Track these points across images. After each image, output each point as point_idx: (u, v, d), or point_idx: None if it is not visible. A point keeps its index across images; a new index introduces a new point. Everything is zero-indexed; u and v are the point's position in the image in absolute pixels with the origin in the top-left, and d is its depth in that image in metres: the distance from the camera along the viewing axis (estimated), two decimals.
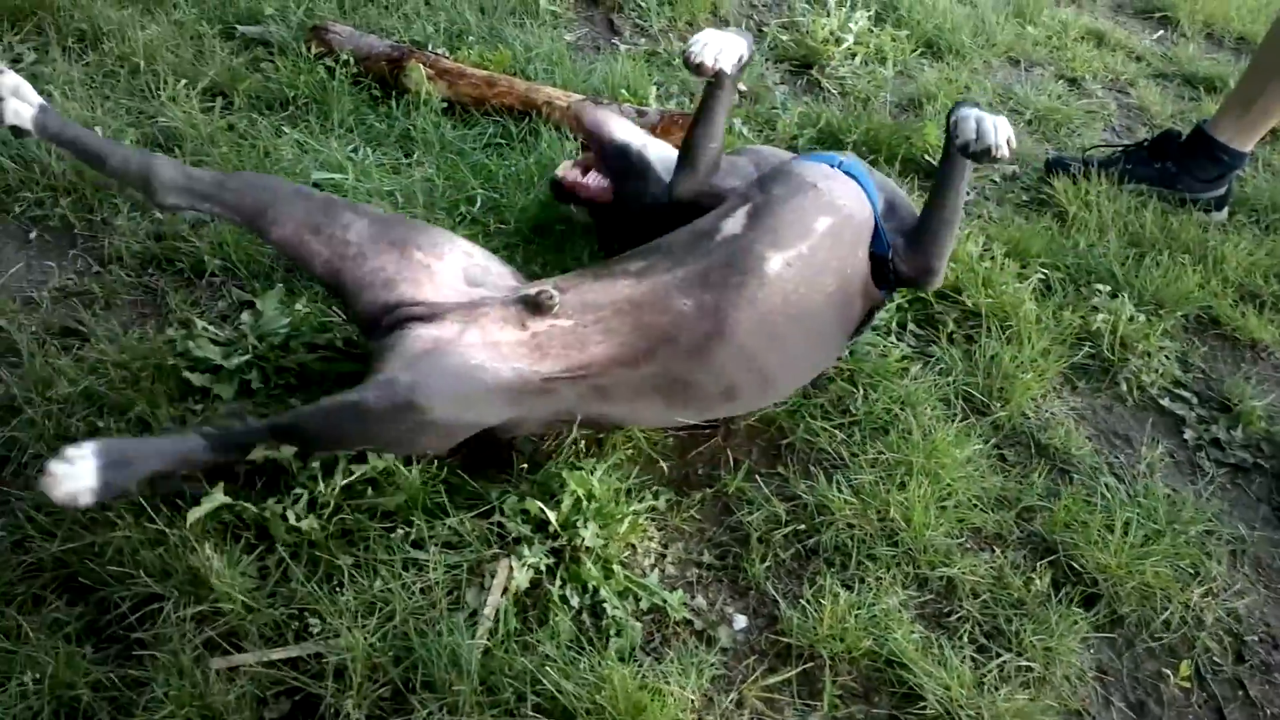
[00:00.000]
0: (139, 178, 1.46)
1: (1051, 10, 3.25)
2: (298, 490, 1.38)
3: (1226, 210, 2.43)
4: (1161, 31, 3.30)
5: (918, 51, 2.86)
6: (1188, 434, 1.87)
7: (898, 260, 1.64)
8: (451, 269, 1.56)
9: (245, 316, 1.67)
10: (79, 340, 1.64)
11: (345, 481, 1.39)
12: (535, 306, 1.49)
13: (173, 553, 1.30)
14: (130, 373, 1.55)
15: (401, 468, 1.42)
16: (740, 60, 1.67)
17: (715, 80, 1.68)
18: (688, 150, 1.76)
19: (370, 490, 1.43)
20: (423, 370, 1.39)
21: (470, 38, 2.59)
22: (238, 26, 2.46)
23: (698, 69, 1.63)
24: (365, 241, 1.51)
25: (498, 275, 1.61)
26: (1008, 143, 1.49)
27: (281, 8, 2.51)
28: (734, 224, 1.59)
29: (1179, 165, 2.38)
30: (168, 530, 1.30)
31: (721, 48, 1.63)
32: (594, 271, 1.59)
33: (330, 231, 1.50)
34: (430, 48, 2.49)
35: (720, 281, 1.51)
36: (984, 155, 1.49)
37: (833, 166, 1.68)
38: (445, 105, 2.31)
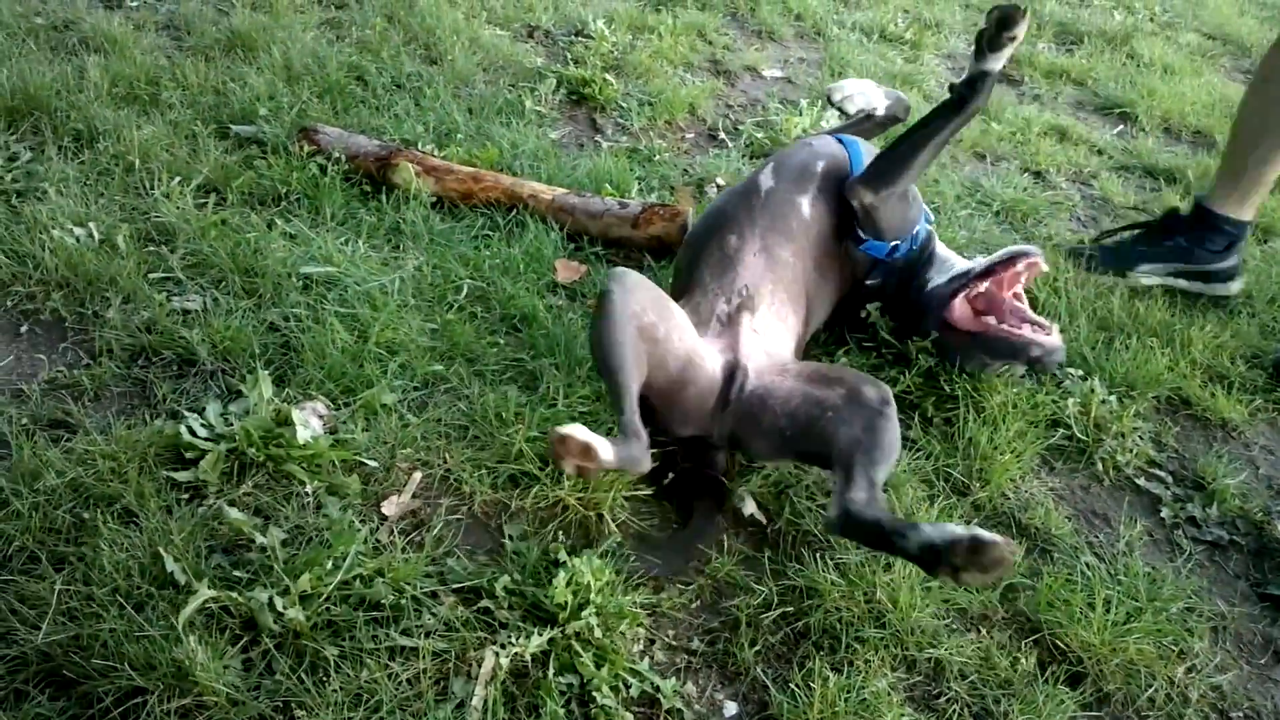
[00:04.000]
0: None
1: (1015, 108, 3.42)
2: (286, 581, 1.38)
3: (1240, 282, 2.51)
4: (1121, 126, 3.47)
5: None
6: (1164, 512, 1.91)
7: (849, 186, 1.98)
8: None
9: (233, 406, 1.69)
10: (67, 432, 1.64)
11: (342, 577, 1.39)
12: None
13: (157, 645, 1.29)
14: (118, 464, 1.55)
15: (395, 560, 1.43)
16: (864, 109, 2.23)
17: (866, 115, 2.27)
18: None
19: (359, 582, 1.42)
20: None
21: (459, 136, 2.69)
22: (231, 126, 2.54)
23: (829, 98, 2.29)
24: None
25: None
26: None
27: (275, 109, 2.61)
28: (766, 178, 2.01)
29: (1189, 239, 2.47)
30: (153, 622, 1.29)
31: (851, 94, 2.23)
32: (718, 264, 1.89)
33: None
34: (419, 146, 2.58)
35: (775, 228, 1.93)
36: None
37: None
38: (434, 200, 2.38)
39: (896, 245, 2.01)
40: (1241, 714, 1.56)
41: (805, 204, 1.98)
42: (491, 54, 3.19)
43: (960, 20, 4.09)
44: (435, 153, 2.55)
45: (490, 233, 2.33)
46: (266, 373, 1.72)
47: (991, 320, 1.97)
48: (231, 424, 1.63)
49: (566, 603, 1.43)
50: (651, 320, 1.63)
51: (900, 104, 2.32)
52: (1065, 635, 1.58)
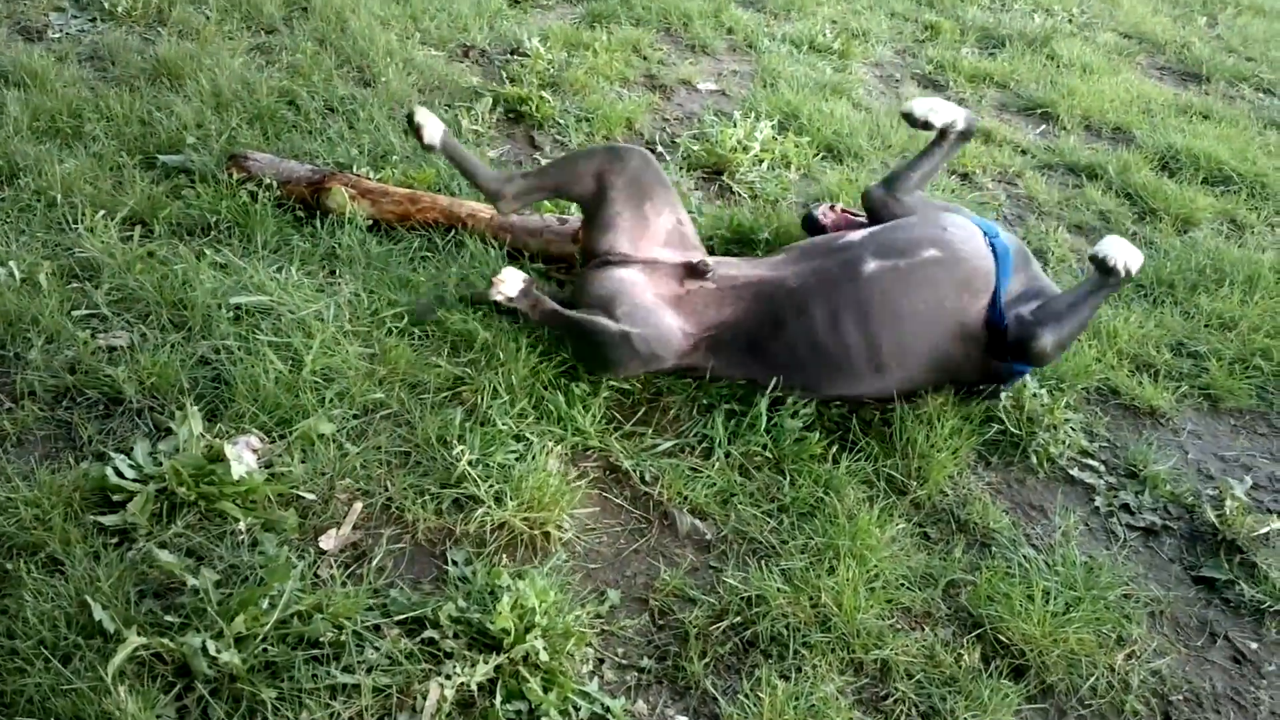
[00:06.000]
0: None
1: None
2: (220, 624, 1.35)
3: None
4: (1044, 126, 3.56)
5: (819, 155, 3.04)
6: (1099, 501, 1.95)
7: (1012, 327, 1.88)
8: (660, 226, 2.06)
9: (162, 445, 1.65)
10: None
11: (278, 616, 1.36)
12: (693, 270, 1.98)
13: (85, 698, 1.25)
14: (42, 510, 1.51)
15: (334, 595, 1.40)
16: (950, 121, 2.16)
17: (940, 133, 2.18)
18: (898, 170, 2.24)
19: (297, 620, 1.40)
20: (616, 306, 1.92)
21: (394, 158, 2.67)
22: (158, 156, 2.49)
23: (908, 117, 2.17)
24: (622, 185, 2.02)
25: (688, 242, 2.08)
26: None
27: (203, 137, 2.57)
28: (856, 235, 2.00)
29: None
30: (81, 674, 1.25)
31: (934, 108, 2.15)
32: (748, 259, 2.08)
33: (608, 172, 2.02)
34: (354, 169, 2.56)
35: (825, 274, 1.91)
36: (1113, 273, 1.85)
37: (984, 232, 1.98)
38: (370, 223, 2.36)
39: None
40: (1181, 697, 1.60)
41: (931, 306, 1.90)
42: (427, 75, 3.17)
43: (886, 29, 4.17)
44: (371, 175, 2.53)
45: (428, 254, 2.31)
46: (196, 408, 1.69)
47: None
48: (161, 463, 1.59)
49: (512, 627, 1.42)
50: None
51: (973, 119, 2.25)
52: (1007, 628, 1.61)
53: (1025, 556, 1.76)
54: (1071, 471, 2.02)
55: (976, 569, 1.72)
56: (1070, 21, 4.58)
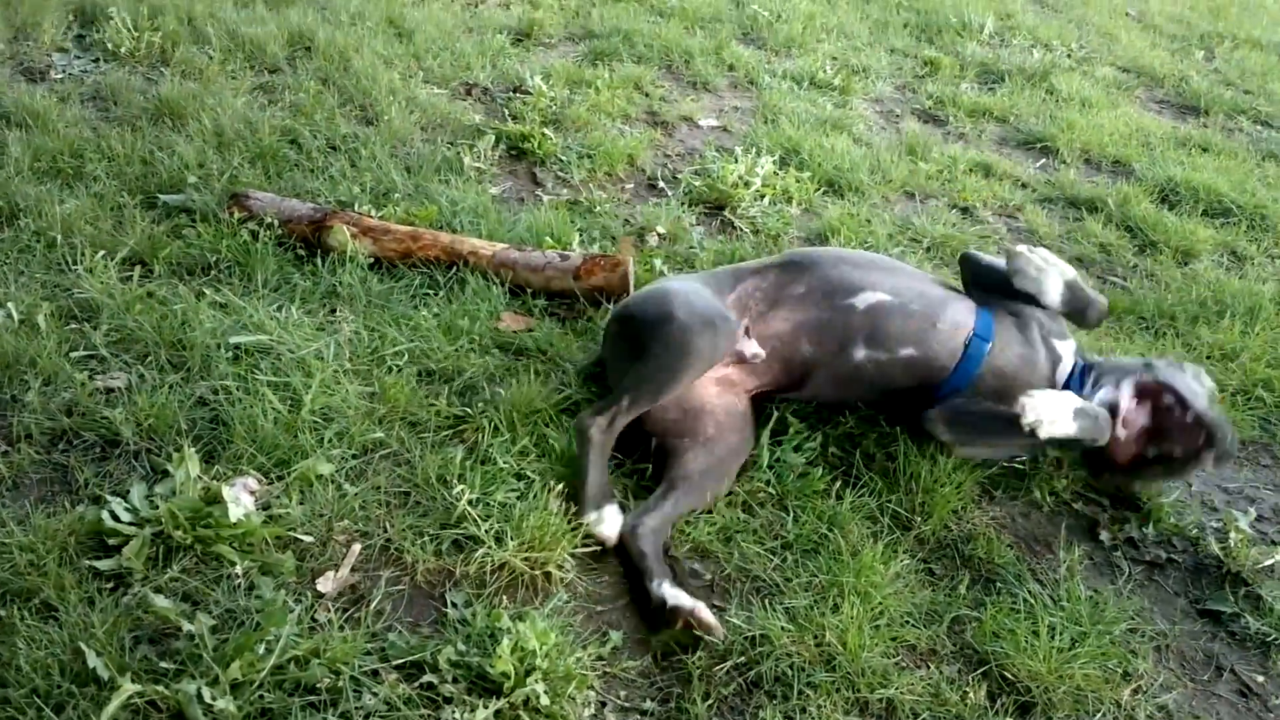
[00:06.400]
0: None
1: (941, 147, 3.52)
2: (215, 670, 1.33)
3: None
4: (1044, 160, 3.58)
5: (820, 190, 3.06)
6: (1103, 535, 1.93)
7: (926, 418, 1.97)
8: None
9: (159, 488, 1.64)
10: None
11: (275, 662, 1.35)
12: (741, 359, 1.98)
13: None
14: (37, 555, 1.49)
15: (332, 639, 1.38)
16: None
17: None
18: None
19: (294, 665, 1.38)
20: None
21: (396, 195, 2.69)
22: (159, 196, 2.51)
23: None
24: None
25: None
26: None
27: (204, 176, 2.58)
28: (861, 301, 1.99)
29: None
30: None
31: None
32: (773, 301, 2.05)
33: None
34: (356, 207, 2.57)
35: (822, 341, 1.99)
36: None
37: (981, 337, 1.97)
38: (371, 261, 2.37)
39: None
40: None
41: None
42: (429, 112, 3.20)
43: (886, 65, 4.21)
44: (373, 213, 2.54)
45: (430, 291, 2.31)
46: (194, 450, 1.68)
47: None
48: (157, 506, 1.58)
49: (512, 671, 1.40)
50: None
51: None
52: (1013, 665, 1.59)
53: (1030, 591, 1.74)
54: (1076, 505, 2.00)
55: (981, 605, 1.70)
56: (1069, 56, 4.63)
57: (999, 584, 1.77)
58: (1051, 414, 1.76)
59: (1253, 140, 3.96)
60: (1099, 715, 1.55)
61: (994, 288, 2.06)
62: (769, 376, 2.03)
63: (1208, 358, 2.46)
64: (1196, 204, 3.26)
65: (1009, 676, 1.58)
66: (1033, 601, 1.71)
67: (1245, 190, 3.35)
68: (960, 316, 2.00)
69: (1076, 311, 2.02)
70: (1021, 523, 1.94)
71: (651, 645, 1.58)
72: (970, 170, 3.32)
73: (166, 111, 2.91)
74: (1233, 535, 1.91)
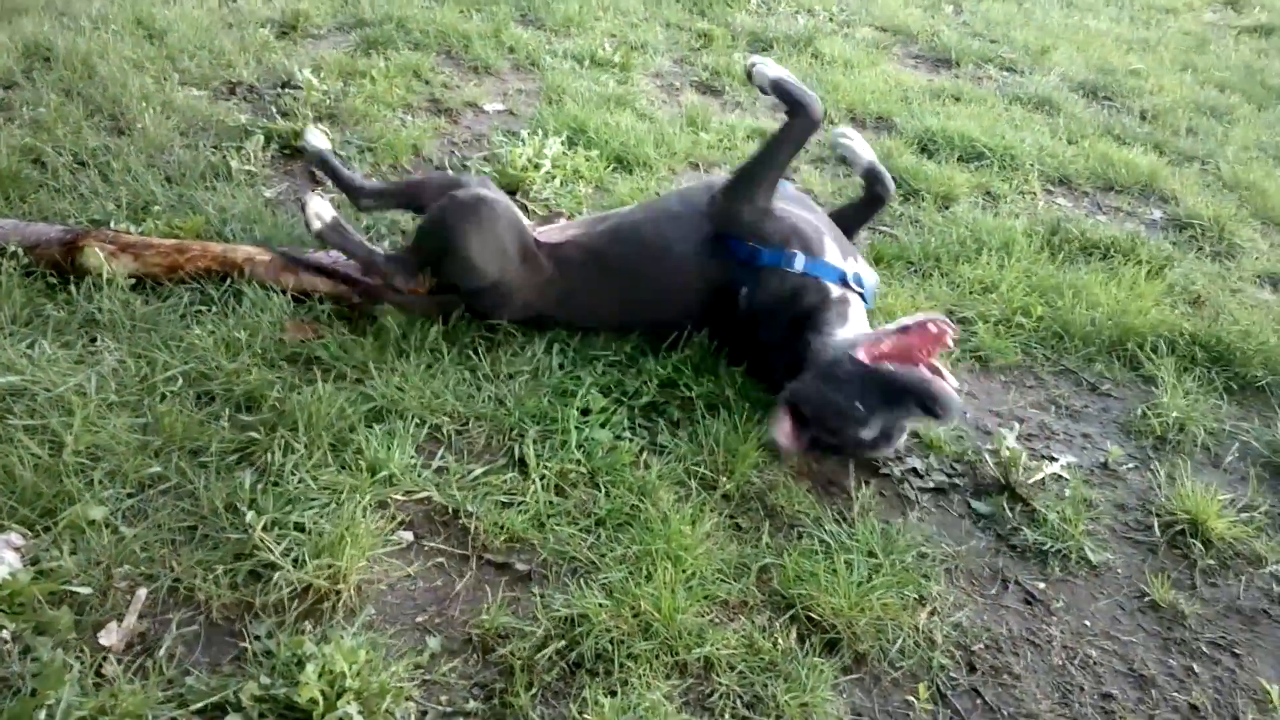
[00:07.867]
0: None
1: (720, 116, 3.63)
2: None
3: None
4: None
5: (610, 167, 3.08)
6: (889, 469, 2.08)
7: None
8: None
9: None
10: None
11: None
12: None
13: None
14: None
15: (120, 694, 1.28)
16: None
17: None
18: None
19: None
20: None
21: (157, 208, 2.50)
22: None
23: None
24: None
25: None
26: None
27: None
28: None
29: None
30: None
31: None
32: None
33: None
34: (111, 224, 2.37)
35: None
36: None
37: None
38: (134, 281, 2.19)
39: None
40: (982, 644, 1.72)
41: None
42: (189, 116, 2.99)
43: (662, 39, 4.29)
44: (131, 229, 2.35)
45: (203, 307, 2.17)
46: None
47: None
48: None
49: (319, 696, 1.35)
50: None
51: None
52: (817, 605, 1.68)
53: (828, 532, 1.85)
54: None
55: (784, 552, 1.80)
56: (831, 20, 4.88)
57: (799, 529, 1.87)
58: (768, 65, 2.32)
59: (1000, 86, 4.33)
60: (899, 641, 1.67)
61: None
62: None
63: (971, 292, 2.69)
64: (953, 150, 3.53)
65: (814, 616, 1.68)
66: (830, 541, 1.82)
67: (995, 134, 3.66)
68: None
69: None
70: (816, 468, 2.05)
71: (472, 644, 1.57)
72: (748, 137, 3.44)
73: None
74: (1003, 453, 2.09)
